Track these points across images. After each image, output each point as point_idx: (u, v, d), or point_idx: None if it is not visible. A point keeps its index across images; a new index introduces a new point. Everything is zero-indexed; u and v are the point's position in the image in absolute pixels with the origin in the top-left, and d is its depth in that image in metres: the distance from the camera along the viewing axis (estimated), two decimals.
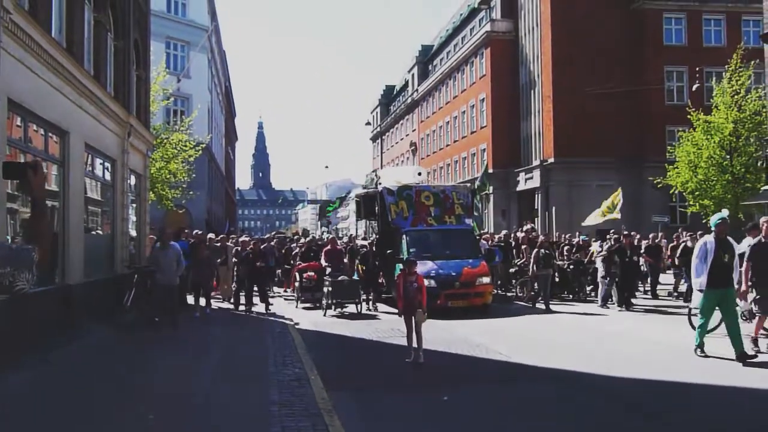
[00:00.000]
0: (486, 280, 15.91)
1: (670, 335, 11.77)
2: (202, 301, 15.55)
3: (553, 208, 37.00)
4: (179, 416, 6.81)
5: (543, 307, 16.16)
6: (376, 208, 18.45)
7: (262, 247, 18.43)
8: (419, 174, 20.91)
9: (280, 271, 22.37)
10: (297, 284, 17.78)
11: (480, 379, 8.88)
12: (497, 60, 42.52)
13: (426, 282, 14.29)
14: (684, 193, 27.84)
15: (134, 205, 18.61)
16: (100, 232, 15.74)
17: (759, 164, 25.35)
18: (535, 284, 16.97)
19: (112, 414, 6.80)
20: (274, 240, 24.58)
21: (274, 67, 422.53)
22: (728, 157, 25.71)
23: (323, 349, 11.06)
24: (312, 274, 17.10)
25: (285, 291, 21.55)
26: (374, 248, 17.78)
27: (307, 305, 17.24)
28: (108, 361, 9.80)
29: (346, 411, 6.89)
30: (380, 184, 19.22)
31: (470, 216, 18.24)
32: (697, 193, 26.52)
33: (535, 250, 16.94)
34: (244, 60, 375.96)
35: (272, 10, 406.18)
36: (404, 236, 16.75)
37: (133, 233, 18.08)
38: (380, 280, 17.42)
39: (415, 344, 9.49)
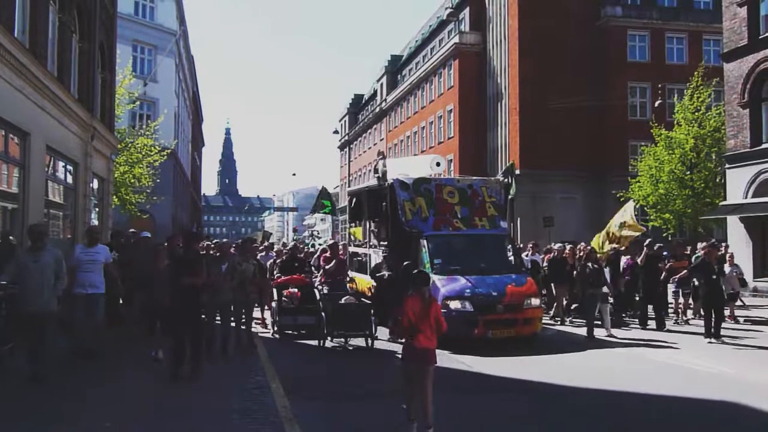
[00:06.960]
0: (536, 301, 12.55)
1: None
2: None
3: (518, 219, 37.26)
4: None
5: (599, 334, 13.13)
6: (384, 206, 14.41)
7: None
8: (438, 164, 16.33)
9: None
10: (275, 305, 13.42)
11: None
12: (465, 72, 42.90)
13: (459, 304, 11.69)
14: (645, 207, 28.40)
15: (97, 209, 18.34)
16: (63, 237, 15.46)
17: (718, 180, 25.95)
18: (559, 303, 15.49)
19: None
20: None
21: (242, 73, 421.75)
22: (689, 172, 26.30)
23: (286, 358, 10.95)
24: (295, 290, 13.07)
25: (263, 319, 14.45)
26: (389, 259, 13.57)
27: (288, 332, 13.14)
28: None
29: (307, 419, 6.85)
30: (378, 177, 15.05)
31: (505, 218, 14.56)
32: (658, 206, 27.13)
33: (582, 264, 14.18)
34: (212, 66, 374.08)
35: (241, 18, 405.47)
36: (425, 243, 13.05)
37: None
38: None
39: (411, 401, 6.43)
